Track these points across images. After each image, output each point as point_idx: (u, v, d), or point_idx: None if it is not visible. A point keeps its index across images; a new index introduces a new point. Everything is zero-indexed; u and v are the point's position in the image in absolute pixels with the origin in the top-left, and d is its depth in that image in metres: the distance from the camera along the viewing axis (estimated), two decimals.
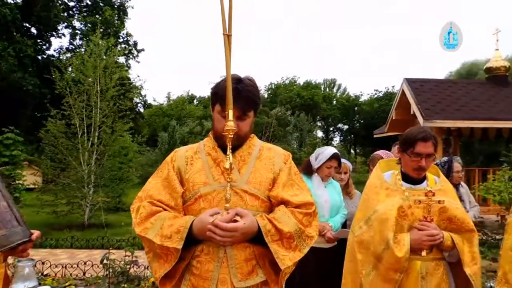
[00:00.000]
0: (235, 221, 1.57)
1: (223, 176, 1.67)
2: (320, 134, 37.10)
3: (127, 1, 25.43)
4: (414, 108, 10.41)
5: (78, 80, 10.81)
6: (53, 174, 10.54)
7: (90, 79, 10.67)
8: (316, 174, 3.42)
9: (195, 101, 41.30)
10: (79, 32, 23.64)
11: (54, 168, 10.56)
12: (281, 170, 1.78)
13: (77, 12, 24.38)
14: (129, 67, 23.82)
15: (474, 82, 12.94)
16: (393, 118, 12.23)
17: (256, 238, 1.63)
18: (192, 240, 1.62)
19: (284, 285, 3.33)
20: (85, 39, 17.76)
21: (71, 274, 5.36)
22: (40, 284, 1.96)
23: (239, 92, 1.66)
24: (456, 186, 4.34)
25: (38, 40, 22.78)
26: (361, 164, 28.35)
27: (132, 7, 26.18)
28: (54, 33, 23.22)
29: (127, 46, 24.26)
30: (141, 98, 28.08)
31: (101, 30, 12.44)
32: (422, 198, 2.23)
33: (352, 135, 39.79)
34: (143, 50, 26.42)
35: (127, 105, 11.53)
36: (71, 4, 24.35)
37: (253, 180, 1.73)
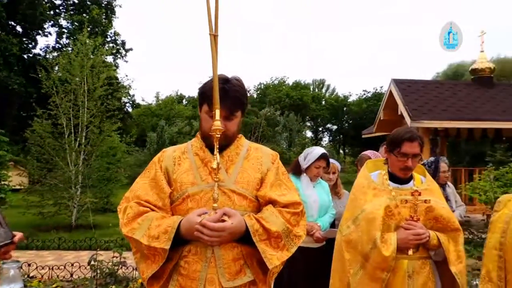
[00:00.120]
0: (223, 221, 1.57)
1: (211, 176, 1.66)
2: (309, 134, 37.24)
3: (115, 0, 25.23)
4: (402, 109, 10.52)
5: (65, 80, 10.68)
6: (39, 175, 10.41)
7: (77, 79, 10.55)
8: (304, 174, 3.44)
9: (184, 101, 41.10)
10: (65, 30, 23.34)
11: (41, 168, 10.42)
12: (268, 170, 1.79)
13: (64, 10, 24.07)
14: (117, 67, 23.57)
15: (461, 83, 13.13)
16: (381, 118, 12.35)
17: (244, 238, 1.63)
18: (180, 240, 1.62)
19: (272, 285, 3.35)
20: (72, 38, 17.55)
21: (58, 276, 5.29)
22: (26, 286, 1.93)
23: (226, 92, 1.66)
24: (443, 186, 4.40)
25: (24, 39, 22.43)
26: (350, 164, 28.50)
27: (120, 6, 25.87)
28: (40, 31, 22.89)
29: (115, 45, 24.02)
30: (129, 97, 27.87)
31: (88, 29, 12.32)
32: (409, 197, 2.26)
33: (341, 135, 40.05)
34: (131, 49, 26.20)
35: (115, 105, 11.43)
36: (58, 2, 24.03)
37: (241, 180, 1.73)
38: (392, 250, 2.14)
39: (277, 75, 49.57)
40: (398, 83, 11.30)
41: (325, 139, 41.46)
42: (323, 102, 39.86)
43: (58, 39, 23.51)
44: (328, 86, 43.49)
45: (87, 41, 11.22)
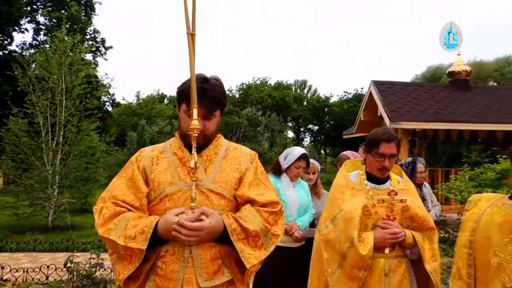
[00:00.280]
0: (201, 220, 1.56)
1: (189, 176, 1.65)
2: (291, 134, 37.43)
3: None
4: (381, 110, 10.70)
5: (42, 77, 10.44)
6: (14, 175, 10.17)
7: (54, 76, 10.33)
8: (285, 174, 3.45)
9: (165, 100, 40.71)
10: (43, 27, 22.80)
11: (16, 168, 10.17)
12: (247, 169, 1.79)
13: (42, 6, 23.50)
14: (96, 65, 23.17)
15: (438, 86, 13.44)
16: (361, 119, 12.53)
17: (222, 238, 1.62)
18: (157, 240, 1.60)
19: (252, 284, 3.35)
20: (49, 35, 17.13)
21: (33, 279, 5.16)
22: None
23: (205, 92, 1.66)
24: (419, 186, 4.48)
25: None
26: (331, 164, 28.80)
27: (100, 3, 25.37)
28: (16, 28, 22.29)
29: (94, 43, 23.61)
30: (109, 96, 27.44)
31: (67, 26, 12.08)
32: (386, 197, 2.29)
33: (322, 136, 40.38)
34: (111, 47, 25.75)
35: (94, 104, 11.24)
36: None
37: (219, 179, 1.73)
38: (369, 249, 2.17)
39: (260, 75, 49.75)
40: (377, 84, 11.48)
41: (307, 140, 41.75)
42: (305, 103, 40.11)
43: (35, 36, 22.94)
44: (310, 87, 43.85)
45: (66, 38, 11.01)
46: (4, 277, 5.10)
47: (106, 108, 26.86)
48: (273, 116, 28.69)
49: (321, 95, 42.29)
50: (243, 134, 21.06)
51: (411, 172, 4.16)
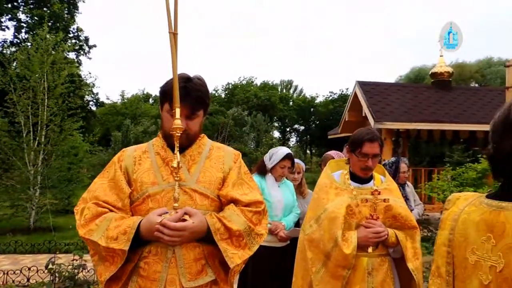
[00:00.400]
0: (184, 220, 1.55)
1: (172, 176, 1.64)
2: (276, 134, 37.46)
3: None
4: (366, 110, 10.80)
5: (23, 76, 10.23)
6: None
7: (36, 75, 10.13)
8: (270, 174, 3.46)
9: (150, 99, 40.35)
10: (24, 25, 22.34)
11: None
12: (231, 169, 1.79)
13: (23, 4, 23.02)
14: (80, 64, 22.78)
15: (421, 87, 13.63)
16: (346, 119, 12.62)
17: (205, 237, 1.62)
18: (140, 241, 1.59)
19: (237, 284, 3.34)
20: (31, 33, 16.79)
21: (13, 281, 5.06)
22: None
23: (188, 91, 1.65)
24: (402, 185, 4.55)
25: None
26: (317, 164, 28.96)
27: (83, 1, 24.96)
28: None
29: (77, 42, 23.23)
30: (93, 96, 27.02)
31: (49, 24, 11.87)
32: (369, 196, 2.32)
33: (308, 136, 40.58)
34: (95, 46, 25.38)
35: (77, 103, 11.07)
36: None
37: (203, 179, 1.72)
38: (352, 248, 2.19)
39: (246, 75, 49.71)
40: (362, 85, 11.59)
41: (293, 140, 41.88)
42: (291, 103, 40.24)
43: (16, 34, 22.46)
44: (296, 87, 44.01)
45: (48, 36, 10.80)
46: None
47: (90, 107, 26.46)
48: (259, 116, 28.68)
49: (307, 95, 42.51)
50: (229, 134, 20.99)
51: (394, 172, 4.21)
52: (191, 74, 1.76)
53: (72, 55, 20.69)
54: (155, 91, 41.37)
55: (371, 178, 2.46)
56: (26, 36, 21.29)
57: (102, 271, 1.62)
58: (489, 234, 1.01)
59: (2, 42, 22.65)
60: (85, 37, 24.65)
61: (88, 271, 4.81)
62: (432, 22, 76.97)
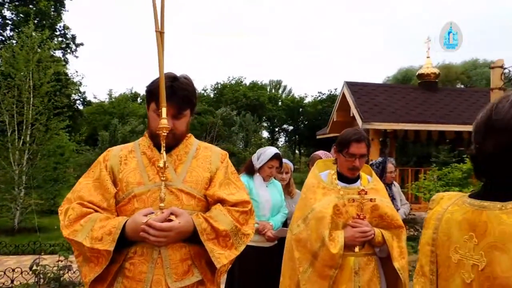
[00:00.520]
0: (170, 220, 1.54)
1: (158, 176, 1.63)
2: (265, 134, 37.49)
3: None
4: (354, 111, 10.89)
5: (7, 74, 10.06)
6: None
7: (21, 73, 9.97)
8: (258, 174, 3.46)
9: (138, 99, 40.01)
10: (9, 22, 21.97)
11: None
12: (218, 169, 1.78)
13: (8, 0, 22.65)
14: (66, 62, 22.48)
15: (408, 87, 13.79)
16: (334, 119, 12.71)
17: (192, 238, 1.61)
18: (125, 241, 1.57)
19: (224, 284, 3.33)
20: (16, 30, 16.52)
21: None
22: None
23: (174, 90, 1.64)
24: (389, 185, 4.59)
25: None
26: (305, 164, 29.05)
27: None
28: None
29: (64, 40, 22.92)
30: (80, 94, 26.69)
31: (35, 21, 11.69)
32: (356, 196, 2.33)
33: (297, 136, 40.70)
34: (82, 44, 25.08)
35: (64, 102, 10.93)
36: None
37: (190, 179, 1.71)
38: (339, 247, 2.20)
39: (235, 75, 49.64)
40: (350, 85, 11.68)
41: (281, 140, 41.96)
42: (280, 103, 40.31)
43: (1, 31, 22.07)
44: (285, 87, 44.11)
45: (33, 34, 10.64)
46: None
47: (77, 106, 26.14)
48: (247, 116, 28.67)
49: (296, 95, 42.59)
50: (217, 134, 20.95)
51: (381, 172, 4.25)
52: (179, 74, 1.75)
53: (58, 53, 20.42)
54: (143, 91, 40.90)
55: (358, 178, 2.48)
56: (11, 34, 20.95)
57: (86, 272, 1.60)
58: (471, 233, 1.03)
59: None
60: (72, 35, 24.35)
61: (74, 272, 4.75)
62: (419, 24, 77.95)
